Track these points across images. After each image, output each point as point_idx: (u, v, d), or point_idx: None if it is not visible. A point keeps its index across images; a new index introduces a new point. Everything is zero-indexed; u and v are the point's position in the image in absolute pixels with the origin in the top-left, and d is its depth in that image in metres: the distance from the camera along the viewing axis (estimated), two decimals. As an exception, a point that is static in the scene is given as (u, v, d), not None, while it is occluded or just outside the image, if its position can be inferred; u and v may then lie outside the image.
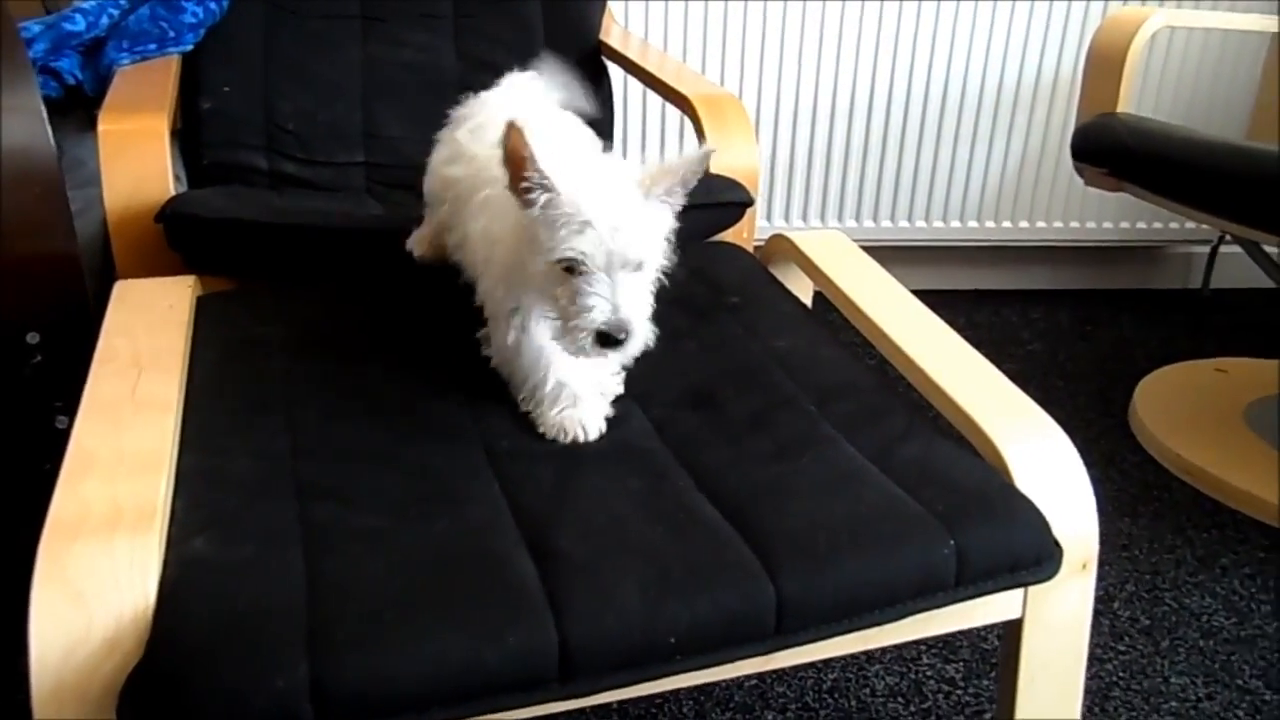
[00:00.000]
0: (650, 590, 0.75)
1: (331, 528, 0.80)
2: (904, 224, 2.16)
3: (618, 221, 0.82)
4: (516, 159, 0.83)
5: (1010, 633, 0.94)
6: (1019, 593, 0.90)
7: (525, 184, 0.83)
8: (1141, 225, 2.20)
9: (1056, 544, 0.87)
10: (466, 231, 1.02)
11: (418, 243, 1.20)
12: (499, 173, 0.87)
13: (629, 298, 0.83)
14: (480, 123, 1.09)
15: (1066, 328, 2.14)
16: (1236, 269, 2.29)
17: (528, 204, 0.84)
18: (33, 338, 1.07)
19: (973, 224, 2.18)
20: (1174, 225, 2.20)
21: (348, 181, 1.58)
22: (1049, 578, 0.87)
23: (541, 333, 0.92)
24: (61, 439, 1.14)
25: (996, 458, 0.92)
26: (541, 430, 0.94)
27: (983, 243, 2.20)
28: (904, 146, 2.10)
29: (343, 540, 0.78)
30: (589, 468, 0.90)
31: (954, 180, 2.14)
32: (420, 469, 0.88)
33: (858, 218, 2.15)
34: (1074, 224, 2.19)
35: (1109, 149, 1.56)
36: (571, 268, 0.83)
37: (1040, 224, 2.18)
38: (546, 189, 0.83)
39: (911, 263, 2.13)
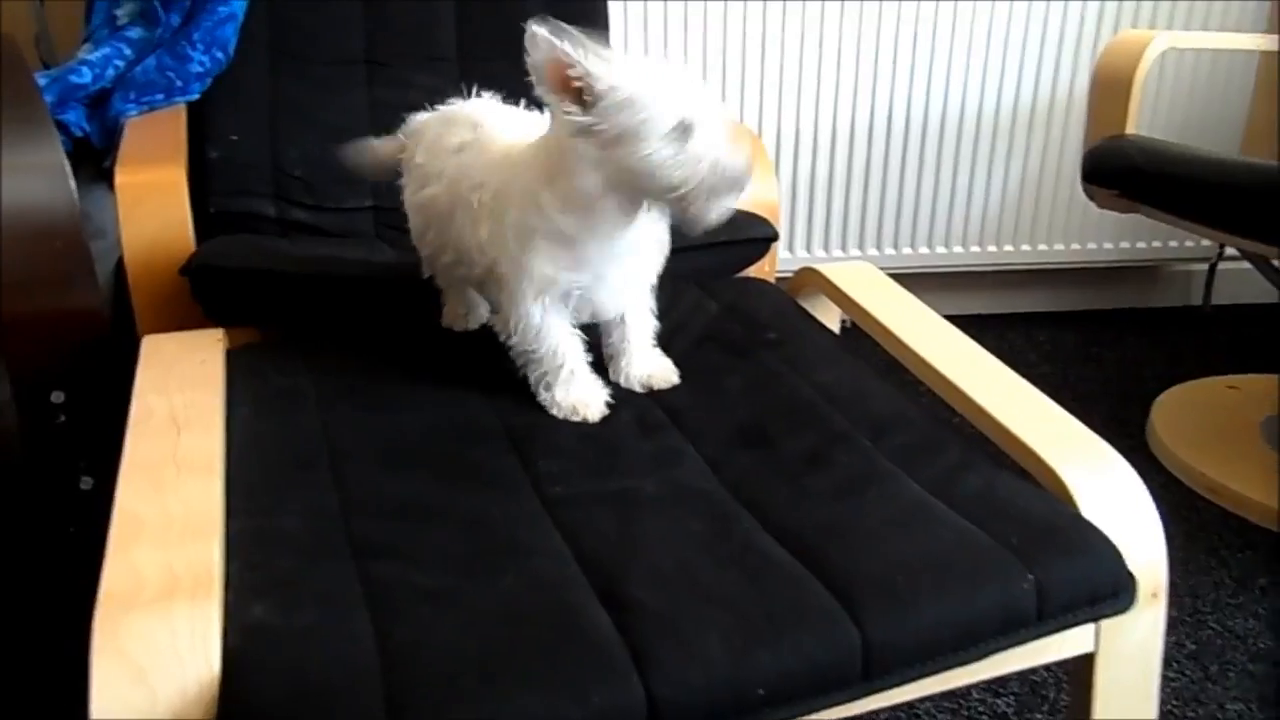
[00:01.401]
0: (734, 640, 0.73)
1: (395, 588, 0.77)
2: (906, 250, 2.16)
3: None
4: (557, 61, 0.85)
5: (1081, 667, 0.91)
6: (1091, 626, 0.88)
7: (577, 85, 0.85)
8: (1141, 245, 2.21)
9: (1130, 574, 0.85)
10: (466, 244, 1.04)
11: (453, 320, 1.18)
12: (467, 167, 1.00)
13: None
14: (432, 137, 1.11)
15: (1073, 349, 2.15)
16: (1235, 285, 2.31)
17: (583, 114, 0.87)
18: (57, 397, 1.04)
19: (975, 249, 2.18)
20: (1173, 244, 2.22)
21: (356, 227, 1.55)
22: (1126, 609, 0.85)
23: (561, 319, 1.00)
24: (86, 500, 1.11)
25: (1060, 487, 0.90)
26: (553, 411, 1.00)
27: (984, 267, 2.20)
28: (904, 174, 2.10)
29: (408, 601, 0.75)
30: (649, 511, 0.87)
31: (954, 207, 2.14)
32: (476, 521, 0.85)
33: (861, 246, 2.15)
34: (1074, 245, 2.20)
35: (1121, 171, 1.57)
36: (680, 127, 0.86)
37: (1041, 246, 2.19)
38: (610, 88, 0.85)
39: (914, 289, 2.13)
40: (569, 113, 0.87)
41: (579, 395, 1.00)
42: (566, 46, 0.84)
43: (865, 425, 1.00)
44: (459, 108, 1.13)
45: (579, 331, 1.02)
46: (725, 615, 0.75)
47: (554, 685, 0.68)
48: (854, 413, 1.02)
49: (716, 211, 0.91)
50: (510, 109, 1.14)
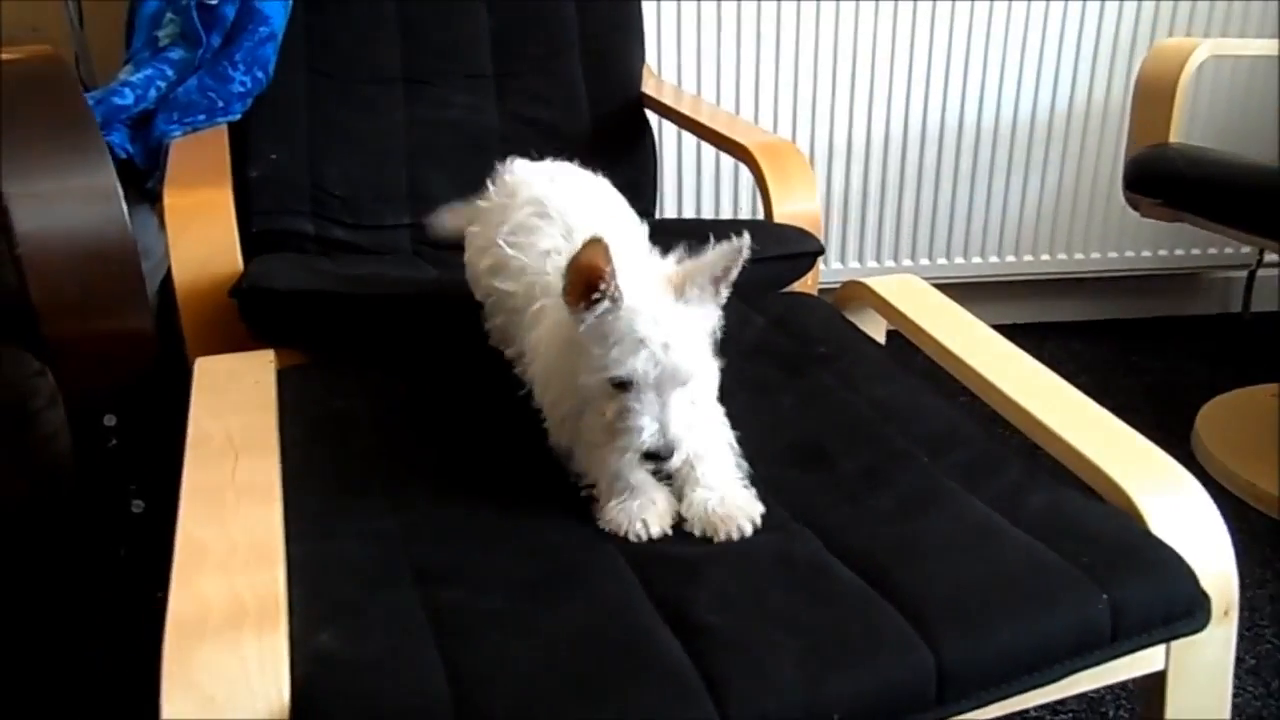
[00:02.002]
0: (808, 665, 0.71)
1: (460, 614, 0.76)
2: (941, 260, 2.14)
3: (670, 339, 0.80)
4: (593, 271, 0.80)
5: (1152, 687, 0.90)
6: (1162, 645, 0.86)
7: (596, 296, 0.81)
8: (1179, 252, 2.19)
9: (1204, 593, 0.84)
10: (523, 346, 0.99)
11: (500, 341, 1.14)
12: (555, 282, 0.86)
13: (677, 415, 0.82)
14: (519, 223, 1.02)
15: (1111, 359, 2.12)
16: (1275, 292, 2.28)
17: (582, 316, 0.82)
18: (109, 420, 1.04)
19: (1010, 258, 2.16)
20: (1211, 251, 2.19)
21: (395, 244, 1.56)
22: (1201, 628, 0.83)
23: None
24: (137, 523, 1.11)
25: (1128, 505, 0.89)
26: (600, 524, 0.87)
27: (1020, 277, 2.19)
28: (939, 185, 2.09)
29: (475, 627, 0.74)
30: (711, 534, 0.87)
31: (989, 217, 2.13)
32: (538, 545, 0.84)
33: (895, 257, 2.14)
34: (1112, 254, 2.18)
35: (1165, 179, 1.55)
36: (622, 384, 0.81)
37: (1078, 255, 2.17)
38: (612, 303, 0.81)
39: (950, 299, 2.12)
40: (576, 310, 0.82)
41: (626, 506, 0.87)
42: (612, 260, 0.80)
43: (923, 442, 0.98)
44: (554, 194, 1.04)
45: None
46: (797, 640, 0.73)
47: (630, 714, 0.67)
48: (910, 429, 1.01)
49: (614, 459, 0.86)
50: (610, 205, 1.07)
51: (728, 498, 0.88)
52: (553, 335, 0.91)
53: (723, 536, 0.85)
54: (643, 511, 0.87)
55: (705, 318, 0.85)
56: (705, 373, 0.86)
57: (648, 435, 0.81)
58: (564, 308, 0.84)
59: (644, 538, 0.86)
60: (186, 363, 1.13)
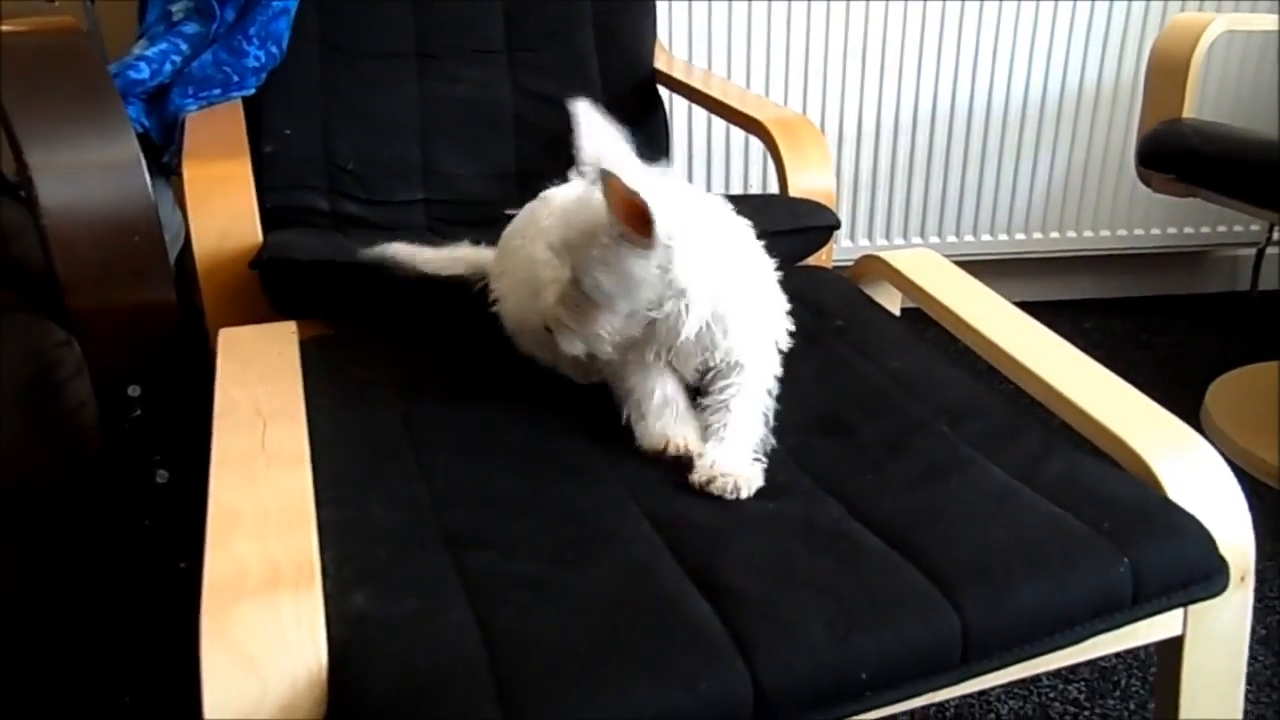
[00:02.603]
0: (836, 626, 0.72)
1: (491, 577, 0.77)
2: (951, 238, 2.15)
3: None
4: (629, 204, 0.82)
5: (1169, 651, 0.91)
6: (1179, 610, 0.88)
7: (649, 227, 0.83)
8: (1189, 230, 2.19)
9: (1222, 558, 0.85)
10: None
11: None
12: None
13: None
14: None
15: (1122, 336, 2.13)
16: (1283, 270, 2.29)
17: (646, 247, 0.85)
18: (134, 391, 1.04)
19: (1019, 236, 2.17)
20: (1221, 228, 2.19)
21: (408, 220, 1.56)
22: (1219, 593, 0.84)
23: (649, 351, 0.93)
24: (161, 493, 1.12)
25: (1146, 472, 0.90)
26: (642, 443, 0.93)
27: (1030, 254, 2.19)
28: (949, 163, 2.09)
29: (506, 590, 0.75)
30: (734, 500, 0.87)
31: (999, 194, 2.13)
32: (566, 511, 0.85)
33: (905, 235, 2.14)
34: (1121, 231, 2.18)
35: (1179, 154, 1.55)
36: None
37: (1088, 233, 2.18)
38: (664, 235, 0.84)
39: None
40: (637, 242, 0.85)
41: (672, 428, 0.92)
42: (635, 186, 0.80)
43: (941, 411, 0.99)
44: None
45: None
46: (825, 601, 0.74)
47: (662, 673, 0.68)
48: (929, 399, 1.01)
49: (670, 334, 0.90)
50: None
51: (734, 460, 0.91)
52: None
53: (715, 490, 0.88)
54: (683, 428, 0.92)
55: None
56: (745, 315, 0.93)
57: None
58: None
59: (682, 451, 0.91)
60: (205, 337, 1.14)
